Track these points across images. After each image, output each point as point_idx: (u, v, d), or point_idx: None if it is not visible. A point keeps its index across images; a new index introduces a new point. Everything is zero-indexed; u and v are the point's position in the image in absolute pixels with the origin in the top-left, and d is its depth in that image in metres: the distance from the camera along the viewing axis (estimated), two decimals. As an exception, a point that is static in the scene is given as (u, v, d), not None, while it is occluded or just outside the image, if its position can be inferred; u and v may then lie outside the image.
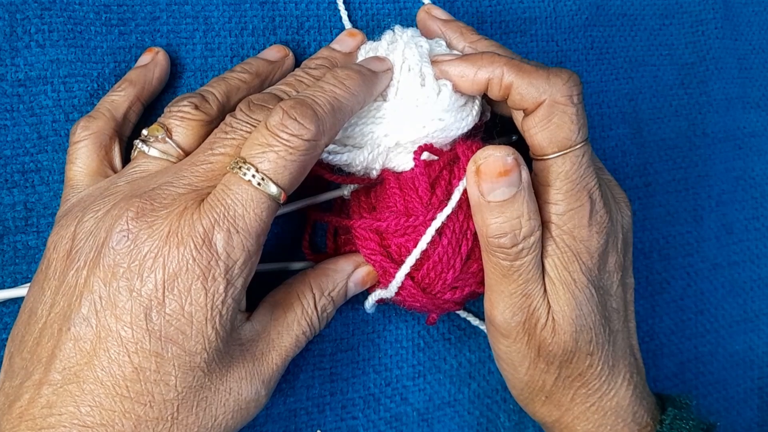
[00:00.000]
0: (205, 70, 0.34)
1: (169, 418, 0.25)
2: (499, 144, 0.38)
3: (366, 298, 0.33)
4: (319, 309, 0.30)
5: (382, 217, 0.31)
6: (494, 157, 0.28)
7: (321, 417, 0.35)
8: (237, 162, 0.26)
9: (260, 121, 0.27)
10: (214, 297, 0.25)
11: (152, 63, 0.32)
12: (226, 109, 0.30)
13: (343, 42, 0.33)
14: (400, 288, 0.31)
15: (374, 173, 0.32)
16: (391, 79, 0.31)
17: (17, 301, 0.31)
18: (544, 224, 0.30)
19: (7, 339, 0.30)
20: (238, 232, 0.25)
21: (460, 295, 0.32)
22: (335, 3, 0.36)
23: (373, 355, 0.36)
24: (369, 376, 0.36)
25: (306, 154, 0.26)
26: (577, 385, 0.32)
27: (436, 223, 0.30)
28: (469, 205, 0.31)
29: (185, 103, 0.29)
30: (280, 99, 0.28)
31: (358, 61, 0.32)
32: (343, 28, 0.35)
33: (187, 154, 0.29)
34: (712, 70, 0.45)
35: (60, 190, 0.31)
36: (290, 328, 0.29)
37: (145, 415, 0.25)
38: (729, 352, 0.46)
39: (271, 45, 0.34)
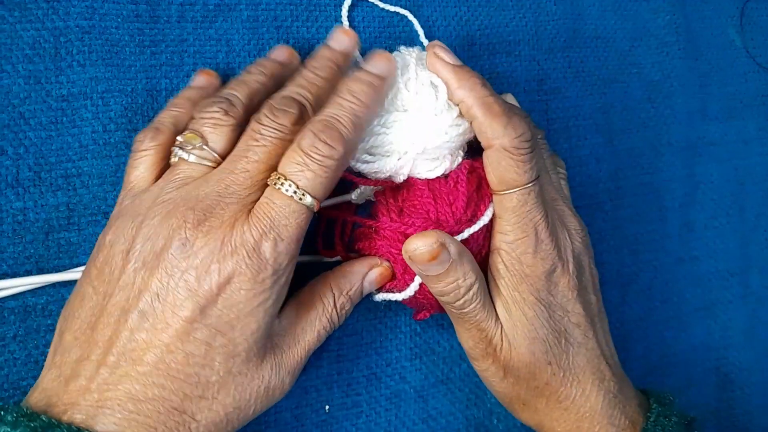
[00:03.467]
0: (226, 87, 0.34)
1: (210, 396, 0.27)
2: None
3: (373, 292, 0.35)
4: (338, 307, 0.32)
5: (411, 222, 0.32)
6: (420, 251, 0.30)
7: (329, 394, 0.36)
8: (278, 178, 0.28)
9: (285, 125, 0.28)
10: (261, 296, 0.27)
11: (208, 86, 0.33)
12: (249, 111, 0.30)
13: (339, 40, 0.33)
14: (416, 290, 0.33)
15: (401, 178, 0.33)
16: (410, 92, 0.32)
17: (65, 285, 0.33)
18: (497, 250, 0.32)
19: (51, 324, 0.32)
20: (282, 240, 0.27)
21: None
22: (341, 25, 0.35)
23: (375, 339, 0.38)
24: (371, 357, 0.37)
25: (337, 170, 0.28)
26: (547, 393, 0.33)
27: (463, 236, 0.32)
28: (489, 227, 0.32)
29: (215, 109, 0.29)
30: (299, 102, 0.29)
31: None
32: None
33: (221, 156, 0.29)
34: (675, 86, 0.46)
35: (98, 193, 0.33)
36: (313, 324, 0.30)
37: (192, 393, 0.26)
38: (690, 337, 0.47)
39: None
